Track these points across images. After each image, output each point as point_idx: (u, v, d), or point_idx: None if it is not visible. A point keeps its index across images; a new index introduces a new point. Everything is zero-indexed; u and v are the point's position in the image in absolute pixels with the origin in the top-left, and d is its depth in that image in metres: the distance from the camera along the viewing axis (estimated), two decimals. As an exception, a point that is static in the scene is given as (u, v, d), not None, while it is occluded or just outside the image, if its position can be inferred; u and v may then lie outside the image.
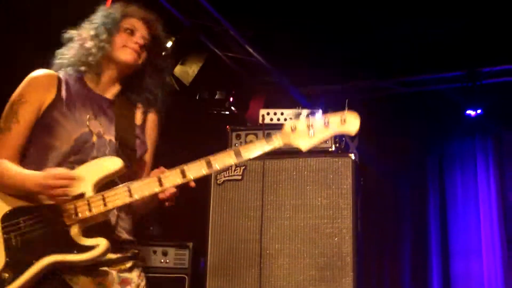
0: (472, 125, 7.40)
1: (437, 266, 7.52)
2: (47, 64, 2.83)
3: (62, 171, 2.52)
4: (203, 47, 6.31)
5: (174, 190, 2.59)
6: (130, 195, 2.53)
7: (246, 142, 4.69)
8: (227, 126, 4.78)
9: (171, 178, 2.54)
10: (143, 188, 2.54)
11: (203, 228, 4.51)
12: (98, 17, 2.85)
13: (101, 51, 2.77)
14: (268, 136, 2.59)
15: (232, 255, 4.46)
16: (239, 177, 4.56)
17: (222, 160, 2.58)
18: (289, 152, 4.58)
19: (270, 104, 6.44)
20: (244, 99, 6.75)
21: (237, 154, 2.59)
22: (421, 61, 6.85)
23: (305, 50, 6.58)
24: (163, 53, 2.98)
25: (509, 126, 7.22)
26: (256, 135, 4.69)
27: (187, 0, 5.78)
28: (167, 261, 4.97)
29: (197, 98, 6.52)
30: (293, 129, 2.56)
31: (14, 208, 2.54)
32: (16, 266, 2.46)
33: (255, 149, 2.59)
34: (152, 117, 2.95)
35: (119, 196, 2.53)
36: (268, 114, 4.77)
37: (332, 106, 6.24)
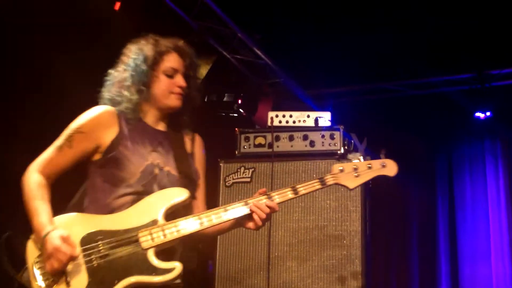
0: (481, 128, 7.37)
1: (445, 269, 7.49)
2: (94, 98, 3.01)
3: (68, 249, 2.64)
4: (212, 50, 6.31)
5: (264, 215, 2.85)
6: (201, 224, 2.79)
7: (255, 145, 4.69)
8: (236, 129, 4.77)
9: (238, 209, 2.85)
10: (212, 218, 2.82)
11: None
12: (132, 62, 2.96)
13: (137, 100, 2.92)
14: (321, 178, 2.98)
15: (240, 258, 4.46)
16: (248, 179, 4.56)
17: (282, 196, 2.91)
18: (298, 155, 4.58)
19: (278, 106, 6.44)
20: (253, 102, 6.73)
21: (294, 191, 2.92)
22: (430, 63, 6.83)
23: (313, 53, 6.58)
24: (198, 79, 3.14)
25: (518, 128, 7.20)
26: (264, 137, 4.69)
27: (195, 3, 5.79)
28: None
29: (205, 100, 6.51)
30: (341, 171, 2.99)
31: (92, 231, 2.75)
32: (99, 285, 2.67)
33: (310, 188, 2.95)
34: (198, 142, 3.15)
35: (190, 223, 2.79)
36: (276, 116, 4.78)
37: (340, 108, 6.23)
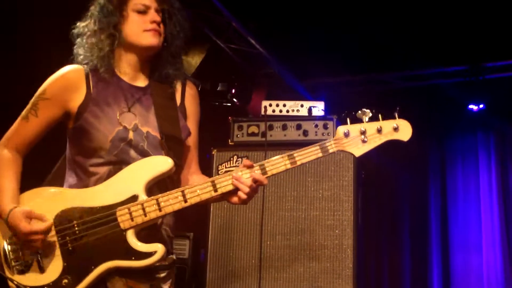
0: (474, 120, 7.39)
1: (437, 260, 7.52)
2: (67, 60, 2.75)
3: (38, 226, 2.46)
4: (206, 38, 6.29)
5: (253, 186, 2.54)
6: (185, 201, 2.52)
7: (248, 134, 4.68)
8: (229, 117, 4.77)
9: (225, 183, 2.54)
10: (199, 192, 2.54)
11: (204, 219, 4.51)
12: (97, 6, 2.69)
13: (108, 45, 2.65)
14: (322, 143, 2.59)
15: (232, 246, 4.45)
16: (241, 168, 4.55)
17: (276, 169, 2.56)
18: (291, 144, 4.58)
19: (272, 96, 6.43)
20: (246, 91, 6.73)
21: (292, 160, 2.56)
22: (425, 55, 6.83)
23: (307, 43, 6.56)
24: (178, 14, 2.76)
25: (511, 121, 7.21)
26: (258, 126, 4.68)
27: (190, -10, 5.77)
28: (173, 250, 4.96)
29: (199, 89, 6.49)
30: (346, 135, 2.57)
31: (66, 208, 2.54)
32: (75, 271, 2.48)
33: (309, 156, 2.58)
34: (190, 92, 2.84)
35: (174, 201, 2.52)
36: (270, 105, 4.77)
37: (333, 98, 6.23)
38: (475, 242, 7.29)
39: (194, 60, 6.18)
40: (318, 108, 4.72)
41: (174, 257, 2.74)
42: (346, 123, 2.61)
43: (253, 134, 4.69)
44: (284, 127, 4.65)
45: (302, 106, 4.75)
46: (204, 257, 4.50)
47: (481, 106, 7.10)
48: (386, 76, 7.50)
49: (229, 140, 4.71)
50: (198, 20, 6.00)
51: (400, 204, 7.85)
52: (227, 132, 4.74)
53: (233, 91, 6.46)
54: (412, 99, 7.42)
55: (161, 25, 2.68)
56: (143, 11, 2.66)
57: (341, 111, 4.79)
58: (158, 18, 2.67)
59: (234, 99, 6.49)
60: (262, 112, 4.75)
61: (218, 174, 4.57)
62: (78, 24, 2.73)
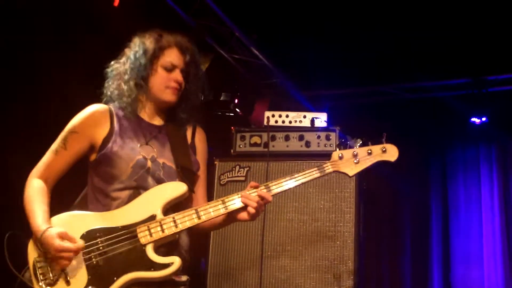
0: (476, 133, 7.38)
1: (438, 273, 7.50)
2: (95, 95, 3.08)
3: (70, 245, 2.68)
4: (209, 48, 6.31)
5: (260, 202, 2.88)
6: (198, 217, 2.84)
7: (250, 144, 4.69)
8: (232, 127, 4.78)
9: (234, 201, 2.88)
10: (211, 210, 2.86)
11: (205, 228, 4.50)
12: (132, 56, 3.02)
13: (135, 93, 2.98)
14: (319, 165, 2.97)
15: (233, 256, 4.46)
16: (243, 178, 4.56)
17: (280, 187, 2.93)
18: (293, 155, 4.59)
19: (275, 107, 6.44)
20: (249, 101, 6.74)
21: (293, 180, 2.95)
22: (428, 68, 6.84)
23: (311, 54, 6.59)
24: (199, 72, 3.12)
25: (513, 134, 7.21)
26: (260, 136, 4.69)
27: (195, 1, 5.79)
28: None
29: (202, 99, 6.51)
30: (341, 158, 2.98)
31: (90, 229, 2.79)
32: (99, 282, 2.71)
33: (308, 176, 2.96)
34: (199, 134, 3.17)
35: (188, 218, 2.82)
36: (273, 116, 4.78)
37: (336, 110, 6.23)
38: (476, 254, 7.27)
39: (201, 70, 6.19)
40: (321, 119, 4.73)
41: (188, 277, 2.99)
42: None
43: (255, 144, 4.70)
44: (287, 138, 4.66)
45: (304, 117, 4.76)
46: (205, 266, 4.50)
47: (483, 119, 7.09)
48: (389, 87, 7.51)
49: (232, 150, 4.72)
50: (201, 30, 6.03)
51: (401, 216, 7.84)
52: (229, 142, 4.75)
53: (236, 101, 6.48)
54: (415, 111, 7.44)
55: (183, 84, 3.03)
56: (170, 69, 3.00)
57: (344, 122, 4.83)
58: (181, 78, 3.01)
59: (237, 109, 6.51)
60: (265, 123, 4.76)
61: (220, 184, 4.59)
62: (112, 63, 3.09)
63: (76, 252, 2.69)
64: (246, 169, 4.59)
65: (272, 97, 7.07)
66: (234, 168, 4.60)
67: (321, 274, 4.28)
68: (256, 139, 4.70)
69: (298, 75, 7.15)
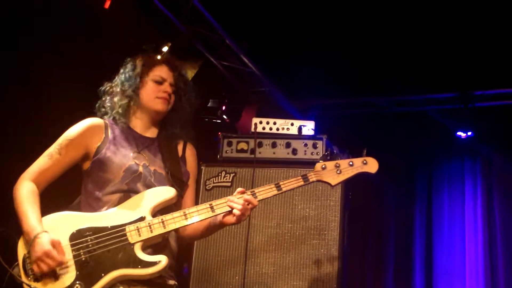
0: (462, 147, 7.42)
1: (420, 286, 7.50)
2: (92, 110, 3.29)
3: (58, 256, 2.80)
4: (198, 55, 6.31)
5: (246, 205, 3.02)
6: (186, 219, 2.96)
7: (237, 150, 4.69)
8: (219, 133, 4.77)
9: (221, 205, 3.01)
10: (198, 213, 2.99)
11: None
12: (122, 72, 3.27)
13: (126, 104, 3.19)
14: (303, 174, 3.15)
15: (216, 261, 4.45)
16: (228, 184, 4.56)
17: (265, 193, 3.09)
18: (279, 162, 4.59)
19: (262, 115, 6.44)
20: (237, 109, 6.74)
21: (278, 187, 3.11)
22: (415, 81, 6.88)
23: (300, 64, 6.60)
24: (188, 88, 3.34)
25: (499, 150, 7.24)
26: (247, 143, 4.70)
27: (186, 6, 5.79)
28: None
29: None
30: (324, 168, 3.16)
31: (81, 228, 2.91)
32: (87, 278, 2.81)
33: (293, 184, 3.14)
34: (190, 149, 3.35)
35: (176, 219, 2.95)
36: (260, 122, 4.79)
37: (323, 119, 6.24)
38: (459, 269, 7.28)
39: (190, 86, 6.18)
40: (308, 127, 4.74)
41: (175, 282, 3.12)
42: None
43: (242, 150, 4.70)
44: (274, 145, 4.67)
45: (292, 124, 4.77)
46: (188, 271, 4.48)
47: (469, 133, 7.13)
48: (377, 100, 7.54)
49: (218, 156, 4.72)
50: (192, 36, 6.03)
51: (385, 228, 7.83)
52: (216, 148, 4.75)
53: (224, 108, 6.47)
54: (401, 123, 7.46)
55: (172, 96, 3.24)
56: (159, 82, 3.23)
57: (331, 132, 4.84)
58: (170, 90, 3.23)
59: (224, 116, 6.50)
60: (252, 129, 4.76)
61: (206, 189, 4.58)
62: (106, 83, 3.30)
63: (58, 264, 2.78)
64: (232, 175, 4.59)
65: (260, 106, 7.07)
66: (220, 174, 4.60)
67: (304, 282, 4.28)
68: (243, 145, 4.70)
69: (287, 84, 7.16)
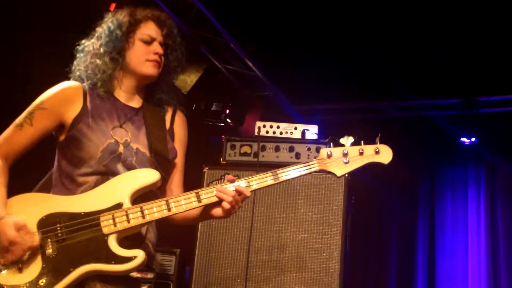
0: (465, 153, 7.42)
1: (422, 292, 7.50)
2: (63, 72, 2.86)
3: (26, 241, 2.47)
4: (203, 58, 6.32)
5: (237, 197, 2.63)
6: (169, 209, 2.59)
7: (240, 153, 4.68)
8: (222, 136, 4.77)
9: (209, 195, 2.62)
10: (182, 202, 2.61)
11: (191, 236, 4.49)
12: (106, 29, 2.80)
13: (111, 69, 2.77)
14: (305, 162, 2.71)
15: (218, 264, 4.43)
16: (231, 187, 4.54)
17: (260, 182, 2.67)
18: (282, 165, 4.57)
19: (266, 119, 6.45)
20: (240, 112, 6.75)
21: (275, 176, 2.68)
22: (420, 87, 6.88)
23: (304, 69, 6.61)
24: (179, 49, 2.92)
25: (502, 156, 7.24)
26: (250, 146, 4.69)
27: (191, 10, 5.81)
28: (153, 266, 4.94)
29: (193, 108, 6.52)
30: (329, 156, 2.70)
31: (50, 213, 2.56)
32: (53, 273, 2.47)
33: (293, 173, 2.70)
34: (179, 118, 2.96)
35: (157, 209, 2.58)
36: (264, 126, 4.79)
37: (327, 123, 6.24)
38: (461, 274, 7.27)
39: (190, 79, 6.21)
40: (312, 131, 4.74)
41: (154, 273, 2.82)
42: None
43: (245, 154, 4.69)
44: (277, 149, 4.66)
45: (295, 128, 4.77)
46: (190, 274, 4.47)
47: (473, 139, 7.14)
48: (380, 105, 7.54)
49: (221, 159, 4.71)
50: (197, 39, 6.04)
51: (387, 234, 7.83)
52: (219, 151, 4.74)
53: (227, 111, 6.48)
54: (405, 128, 7.46)
55: (162, 57, 2.83)
56: (148, 42, 2.80)
57: (335, 135, 4.84)
58: (161, 50, 2.81)
59: (228, 120, 6.51)
60: (256, 133, 4.75)
61: (208, 192, 4.56)
62: (83, 41, 2.85)
63: (27, 249, 2.47)
64: (227, 175, 4.56)
65: (264, 110, 7.09)
66: (223, 177, 4.59)
67: (306, 286, 4.26)
68: (246, 149, 4.69)
69: (291, 88, 7.17)
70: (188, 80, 6.21)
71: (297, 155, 4.63)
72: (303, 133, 4.72)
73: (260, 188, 2.69)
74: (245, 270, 4.33)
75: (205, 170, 4.62)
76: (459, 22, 5.90)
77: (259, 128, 4.76)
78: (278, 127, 4.79)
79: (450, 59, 6.37)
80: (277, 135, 4.76)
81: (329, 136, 2.82)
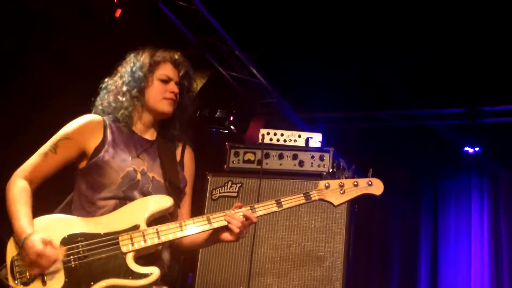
0: (469, 162, 7.42)
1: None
2: (87, 106, 3.15)
3: (52, 253, 2.68)
4: (208, 65, 6.34)
5: (244, 222, 2.92)
6: (182, 230, 2.87)
7: (244, 160, 4.69)
8: (226, 143, 4.78)
9: (219, 219, 2.91)
10: (194, 225, 2.89)
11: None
12: (129, 70, 3.10)
13: (132, 105, 3.05)
14: (305, 192, 3.03)
15: (221, 272, 4.43)
16: (235, 194, 4.56)
17: (265, 209, 2.98)
18: (286, 173, 4.59)
19: (270, 126, 6.46)
20: (244, 119, 6.76)
21: (278, 203, 3.00)
22: (424, 96, 6.89)
23: (308, 77, 6.62)
24: (191, 86, 3.21)
25: (506, 165, 7.24)
26: (254, 153, 4.69)
27: (196, 17, 5.83)
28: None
29: (197, 114, 6.54)
30: (327, 187, 3.04)
31: (73, 233, 2.81)
32: (75, 286, 2.71)
33: (294, 202, 3.02)
34: (188, 152, 3.23)
35: (171, 230, 2.86)
36: (268, 134, 4.79)
37: (330, 131, 6.24)
38: (464, 283, 7.26)
39: (195, 85, 6.21)
40: (315, 139, 4.74)
41: None
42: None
43: (249, 161, 4.70)
44: (281, 156, 4.66)
45: (299, 136, 4.77)
46: (192, 280, 4.47)
47: (476, 149, 7.14)
48: (384, 114, 7.55)
49: (225, 166, 4.72)
50: (202, 46, 6.06)
51: (390, 242, 7.83)
52: (223, 158, 4.75)
53: (231, 118, 6.49)
54: (409, 138, 7.47)
55: (177, 96, 3.10)
56: (166, 81, 3.08)
57: (338, 145, 4.85)
58: (177, 89, 3.09)
59: (232, 127, 6.51)
60: (260, 140, 4.76)
61: (212, 199, 4.59)
62: (106, 80, 3.16)
63: (54, 262, 2.67)
64: (238, 185, 4.58)
65: (267, 117, 7.09)
66: (226, 184, 4.60)
67: (308, 294, 4.27)
68: (250, 156, 4.70)
69: (295, 96, 7.19)
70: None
71: (301, 163, 4.63)
72: (306, 141, 4.73)
73: (264, 214, 2.98)
74: (248, 277, 4.33)
75: (209, 177, 4.63)
76: (463, 32, 5.91)
77: (263, 135, 4.77)
78: (282, 134, 4.79)
79: (454, 68, 6.38)
80: (281, 143, 4.77)
81: (328, 171, 3.33)
